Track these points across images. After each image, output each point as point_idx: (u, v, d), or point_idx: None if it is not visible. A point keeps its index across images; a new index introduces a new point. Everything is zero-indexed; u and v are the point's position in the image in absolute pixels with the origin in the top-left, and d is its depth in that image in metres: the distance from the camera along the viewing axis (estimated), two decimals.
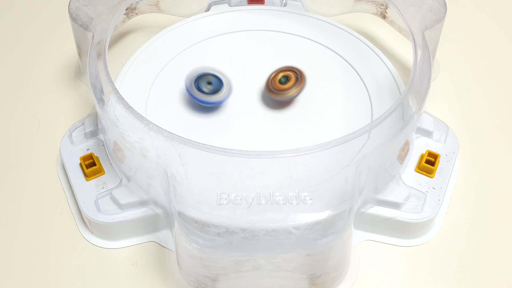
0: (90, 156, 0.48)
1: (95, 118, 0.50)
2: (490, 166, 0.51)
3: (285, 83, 0.50)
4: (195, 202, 0.40)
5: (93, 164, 0.48)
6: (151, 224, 0.46)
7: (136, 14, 0.58)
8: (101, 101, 0.45)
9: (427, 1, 0.50)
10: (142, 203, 0.45)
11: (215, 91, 0.49)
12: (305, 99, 0.52)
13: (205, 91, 0.49)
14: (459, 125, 0.53)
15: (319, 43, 0.56)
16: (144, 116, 0.46)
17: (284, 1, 0.59)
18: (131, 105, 0.44)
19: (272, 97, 0.50)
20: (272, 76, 0.51)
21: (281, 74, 0.50)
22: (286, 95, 0.50)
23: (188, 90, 0.49)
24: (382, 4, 0.57)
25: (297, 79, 0.50)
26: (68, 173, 0.48)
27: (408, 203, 0.45)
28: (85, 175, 0.47)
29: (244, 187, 0.40)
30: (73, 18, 0.50)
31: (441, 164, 0.48)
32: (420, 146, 0.49)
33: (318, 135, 0.49)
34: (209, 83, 0.49)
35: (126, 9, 0.57)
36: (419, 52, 0.48)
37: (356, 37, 0.56)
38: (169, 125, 0.45)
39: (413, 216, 0.45)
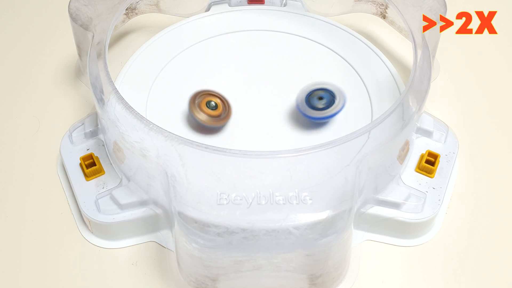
0: (90, 156, 0.48)
1: (95, 118, 0.50)
2: (490, 166, 0.51)
3: (214, 109, 0.48)
4: (195, 202, 0.40)
5: (93, 164, 0.48)
6: (151, 224, 0.46)
7: (136, 14, 0.58)
8: (101, 101, 0.45)
9: (427, 1, 0.50)
10: (142, 203, 0.45)
11: (329, 104, 0.47)
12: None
13: (319, 106, 0.47)
14: (459, 125, 0.53)
15: (319, 43, 0.56)
16: (144, 116, 0.46)
17: (284, 1, 0.59)
18: (131, 105, 0.44)
19: (191, 112, 0.48)
20: (200, 94, 0.48)
21: (210, 98, 0.48)
22: (204, 121, 0.47)
23: (299, 109, 0.48)
24: (382, 4, 0.57)
25: (224, 111, 0.48)
26: (68, 173, 0.48)
27: (408, 203, 0.45)
28: (85, 175, 0.47)
29: (244, 187, 0.40)
30: (73, 18, 0.50)
31: (441, 164, 0.48)
32: (420, 146, 0.49)
33: (318, 135, 0.49)
34: (321, 98, 0.48)
35: (126, 9, 0.57)
36: (419, 52, 0.47)
37: (356, 37, 0.56)
38: (169, 125, 0.45)
39: (413, 216, 0.45)
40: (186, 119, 0.50)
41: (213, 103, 0.48)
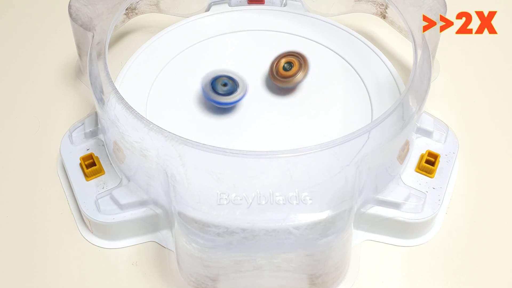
0: (90, 156, 0.48)
1: (95, 118, 0.50)
2: (490, 166, 0.51)
3: (289, 69, 0.50)
4: (195, 202, 0.40)
5: (93, 164, 0.48)
6: (151, 224, 0.46)
7: (136, 14, 0.58)
8: (101, 101, 0.45)
9: (427, 1, 0.50)
10: (142, 203, 0.45)
11: (231, 92, 0.50)
12: (305, 99, 0.52)
13: (220, 92, 0.50)
14: (459, 125, 0.53)
15: (319, 43, 0.56)
16: (144, 116, 0.46)
17: (284, 1, 0.59)
18: (131, 105, 0.44)
19: (277, 84, 0.51)
20: (275, 63, 0.51)
21: (283, 60, 0.51)
22: (292, 82, 0.50)
23: (204, 91, 0.50)
24: (382, 4, 0.57)
25: (300, 64, 0.51)
26: (68, 173, 0.48)
27: (408, 203, 0.45)
28: (85, 175, 0.47)
29: (244, 187, 0.40)
30: (73, 18, 0.50)
31: (441, 164, 0.48)
32: (420, 146, 0.49)
33: (318, 135, 0.49)
34: (224, 84, 0.50)
35: (126, 9, 0.57)
36: (419, 52, 0.48)
37: (356, 37, 0.56)
38: (169, 125, 0.45)
39: (413, 216, 0.45)
40: (186, 119, 0.50)
41: (286, 65, 0.51)
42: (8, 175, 0.51)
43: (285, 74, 0.50)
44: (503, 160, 0.52)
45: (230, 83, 0.50)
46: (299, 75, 0.50)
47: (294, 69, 0.50)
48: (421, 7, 0.50)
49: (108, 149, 0.48)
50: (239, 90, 0.50)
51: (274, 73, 0.51)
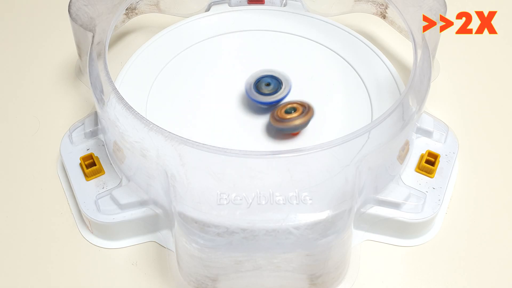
0: (90, 156, 0.48)
1: (95, 118, 0.50)
2: (490, 166, 0.51)
3: (291, 113, 0.49)
4: (195, 202, 0.40)
5: (93, 164, 0.48)
6: (151, 224, 0.46)
7: (136, 14, 0.58)
8: (101, 101, 0.45)
9: (427, 1, 0.50)
10: (142, 203, 0.45)
11: (275, 90, 0.50)
12: (306, 99, 0.52)
13: (266, 92, 0.50)
14: (459, 125, 0.53)
15: (319, 43, 0.56)
16: (144, 116, 0.46)
17: (284, 1, 0.59)
18: (131, 105, 0.44)
19: (276, 126, 0.49)
20: (280, 107, 0.50)
21: (289, 106, 0.49)
22: (290, 124, 0.48)
23: (248, 94, 0.50)
24: (382, 4, 0.57)
25: (303, 111, 0.49)
26: (68, 173, 0.48)
27: (408, 203, 0.45)
28: (85, 175, 0.47)
29: (244, 187, 0.40)
30: (73, 18, 0.50)
31: (441, 164, 0.48)
32: (420, 146, 0.49)
33: (318, 135, 0.49)
34: (268, 84, 0.50)
35: (126, 9, 0.57)
36: (419, 52, 0.48)
37: (356, 37, 0.56)
38: (169, 125, 0.45)
39: (413, 216, 0.45)
40: (186, 119, 0.50)
41: (289, 109, 0.49)
42: (8, 175, 0.51)
43: (284, 116, 0.49)
44: (503, 160, 0.52)
45: (273, 81, 0.50)
46: (297, 120, 0.48)
47: (295, 114, 0.49)
48: (421, 7, 0.50)
49: (108, 149, 0.48)
50: (283, 87, 0.50)
51: (275, 114, 0.49)
